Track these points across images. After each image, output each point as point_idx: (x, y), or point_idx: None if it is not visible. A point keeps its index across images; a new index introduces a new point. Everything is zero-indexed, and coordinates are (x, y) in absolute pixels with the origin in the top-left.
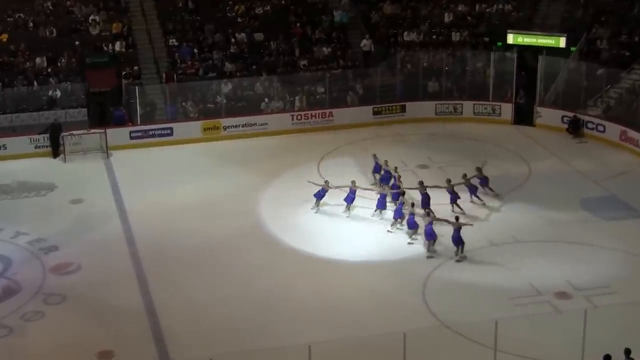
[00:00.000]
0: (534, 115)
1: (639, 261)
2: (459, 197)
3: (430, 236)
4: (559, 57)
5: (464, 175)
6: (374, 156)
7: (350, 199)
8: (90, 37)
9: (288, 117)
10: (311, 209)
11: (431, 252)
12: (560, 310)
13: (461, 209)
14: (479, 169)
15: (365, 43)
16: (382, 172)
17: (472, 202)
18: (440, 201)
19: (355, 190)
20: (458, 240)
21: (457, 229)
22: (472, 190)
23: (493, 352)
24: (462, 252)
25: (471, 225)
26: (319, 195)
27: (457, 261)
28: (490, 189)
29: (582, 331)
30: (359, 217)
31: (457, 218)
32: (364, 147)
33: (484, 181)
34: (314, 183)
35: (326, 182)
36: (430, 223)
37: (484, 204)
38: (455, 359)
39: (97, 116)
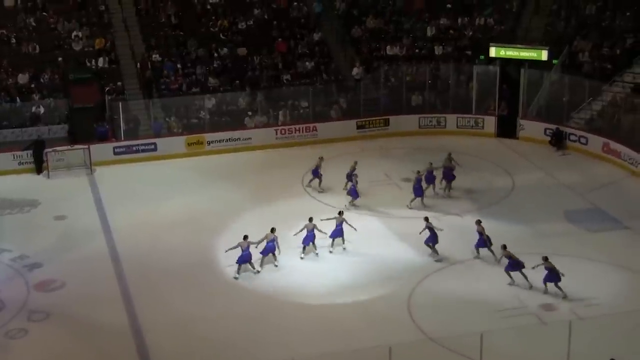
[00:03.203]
0: (517, 128)
1: (623, 272)
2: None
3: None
4: (541, 70)
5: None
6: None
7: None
8: (73, 53)
9: (272, 131)
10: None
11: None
12: (545, 322)
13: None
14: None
15: (357, 71)
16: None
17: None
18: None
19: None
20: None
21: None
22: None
23: None
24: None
25: None
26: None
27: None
28: (434, 190)
29: (567, 343)
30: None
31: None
32: (348, 161)
33: (430, 178)
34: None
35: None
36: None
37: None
38: None
39: (79, 132)
